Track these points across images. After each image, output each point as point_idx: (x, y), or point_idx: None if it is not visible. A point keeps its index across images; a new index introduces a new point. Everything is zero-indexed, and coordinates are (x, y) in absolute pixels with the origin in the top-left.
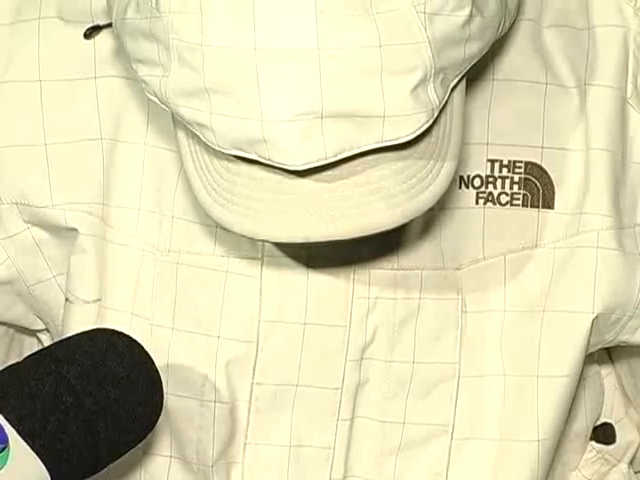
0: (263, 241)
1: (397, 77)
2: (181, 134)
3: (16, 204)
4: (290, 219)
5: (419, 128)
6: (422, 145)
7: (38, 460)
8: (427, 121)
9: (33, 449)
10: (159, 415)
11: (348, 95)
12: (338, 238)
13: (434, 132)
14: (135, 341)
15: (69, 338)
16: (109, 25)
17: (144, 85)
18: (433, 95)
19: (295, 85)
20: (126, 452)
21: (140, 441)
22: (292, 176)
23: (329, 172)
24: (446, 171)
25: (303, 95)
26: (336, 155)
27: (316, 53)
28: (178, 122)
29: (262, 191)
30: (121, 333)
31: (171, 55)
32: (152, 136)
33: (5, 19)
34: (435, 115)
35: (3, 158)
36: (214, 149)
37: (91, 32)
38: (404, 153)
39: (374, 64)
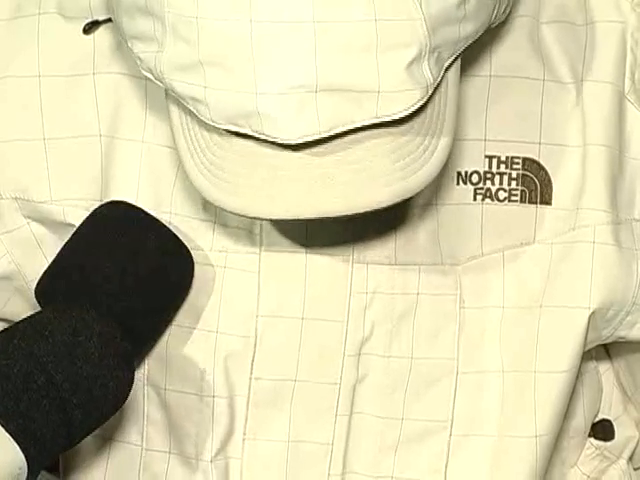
0: (255, 218)
1: (392, 52)
2: (174, 111)
3: (15, 199)
4: (282, 196)
5: (413, 105)
6: (416, 123)
7: (12, 441)
8: (421, 98)
9: (7, 430)
10: (130, 389)
11: (343, 69)
12: (330, 215)
13: (428, 110)
14: (105, 315)
15: (37, 314)
16: (108, 20)
17: (139, 62)
18: (427, 73)
19: (290, 58)
20: (97, 427)
21: (111, 415)
22: (285, 150)
23: (322, 148)
24: (440, 151)
25: (297, 68)
26: (330, 130)
27: (311, 26)
28: (172, 99)
29: (254, 167)
30: (89, 308)
31: (166, 29)
32: (150, 133)
33: (5, 15)
34: (429, 93)
35: (3, 153)
36: (207, 125)
37: (90, 27)
38: (398, 130)
39: (369, 38)
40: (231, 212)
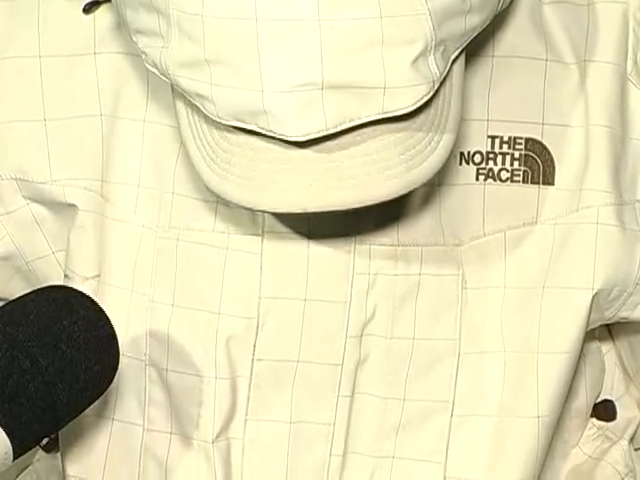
0: (261, 211)
1: (398, 48)
2: (180, 105)
3: (15, 180)
4: (288, 189)
5: (419, 100)
6: (421, 117)
7: None
8: (427, 93)
9: None
10: (116, 371)
11: (349, 66)
12: (336, 209)
13: (434, 104)
14: (88, 297)
15: (21, 298)
16: (108, 0)
17: (144, 56)
18: (434, 67)
19: (296, 56)
20: (83, 411)
21: (97, 398)
22: (292, 147)
23: (328, 143)
24: (445, 143)
25: (304, 66)
26: (336, 126)
27: (317, 24)
28: (177, 93)
29: (261, 162)
30: (73, 289)
31: (171, 26)
32: (152, 112)
33: None
34: (435, 87)
35: (3, 134)
36: (213, 120)
37: (90, 7)
38: (404, 124)
39: (375, 35)
40: (238, 205)
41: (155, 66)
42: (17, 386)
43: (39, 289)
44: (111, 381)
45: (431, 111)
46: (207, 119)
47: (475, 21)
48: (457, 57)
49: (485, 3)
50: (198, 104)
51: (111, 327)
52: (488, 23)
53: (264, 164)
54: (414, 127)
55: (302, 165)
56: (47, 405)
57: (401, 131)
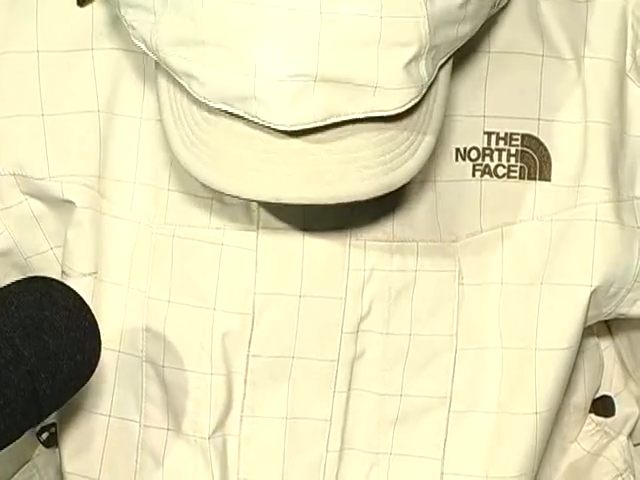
0: (234, 197)
1: (393, 49)
2: (162, 82)
3: (14, 175)
4: (265, 178)
5: (408, 103)
6: (405, 120)
7: None
8: (416, 96)
9: None
10: (97, 361)
11: (344, 61)
12: (310, 202)
13: (418, 109)
14: (69, 288)
15: (2, 289)
16: None
17: (131, 30)
18: (423, 71)
19: (293, 45)
20: (66, 401)
21: (80, 388)
22: (275, 136)
23: (312, 136)
24: (424, 147)
25: (299, 56)
26: (324, 120)
27: (317, 16)
28: (162, 70)
29: (241, 147)
30: (54, 280)
31: (167, 3)
32: (148, 109)
33: None
34: (423, 92)
35: (1, 129)
36: (198, 100)
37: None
38: (387, 125)
39: (373, 34)
40: (211, 188)
41: (143, 42)
42: (0, 377)
43: (20, 280)
44: (93, 371)
45: (414, 116)
46: (190, 98)
47: (466, 29)
48: (444, 64)
49: (478, 12)
50: (184, 83)
51: (92, 317)
52: (475, 32)
53: (243, 150)
54: (397, 129)
55: (282, 156)
56: (30, 395)
57: (383, 132)
